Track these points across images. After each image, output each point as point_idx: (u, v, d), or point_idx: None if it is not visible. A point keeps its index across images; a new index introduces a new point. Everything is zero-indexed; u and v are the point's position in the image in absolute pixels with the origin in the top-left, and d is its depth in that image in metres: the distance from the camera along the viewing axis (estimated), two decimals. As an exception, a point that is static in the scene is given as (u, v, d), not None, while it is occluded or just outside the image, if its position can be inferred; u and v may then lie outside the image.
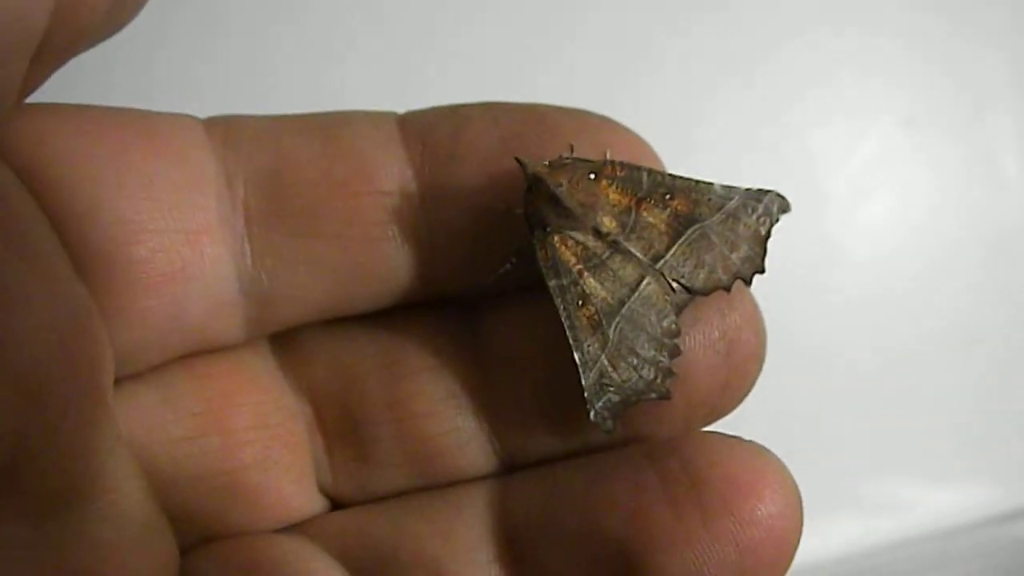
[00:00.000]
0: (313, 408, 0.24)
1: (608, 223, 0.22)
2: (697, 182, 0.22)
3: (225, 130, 0.23)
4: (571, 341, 0.22)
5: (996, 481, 0.45)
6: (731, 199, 0.22)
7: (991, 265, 0.45)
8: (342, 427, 0.23)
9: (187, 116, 0.23)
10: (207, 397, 0.23)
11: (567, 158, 0.21)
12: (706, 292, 0.22)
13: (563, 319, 0.22)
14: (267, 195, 0.22)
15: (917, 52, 0.46)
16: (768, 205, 0.22)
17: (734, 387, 0.22)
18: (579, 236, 0.21)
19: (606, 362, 0.22)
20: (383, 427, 0.23)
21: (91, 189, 0.21)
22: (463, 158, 0.23)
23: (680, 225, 0.22)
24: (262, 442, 0.23)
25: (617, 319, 0.22)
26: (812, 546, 0.41)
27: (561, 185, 0.21)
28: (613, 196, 0.21)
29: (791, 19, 0.45)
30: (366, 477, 0.23)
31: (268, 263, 0.22)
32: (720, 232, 0.22)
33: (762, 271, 0.23)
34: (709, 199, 0.22)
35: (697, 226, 0.22)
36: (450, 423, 0.23)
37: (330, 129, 0.23)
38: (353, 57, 0.41)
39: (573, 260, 0.21)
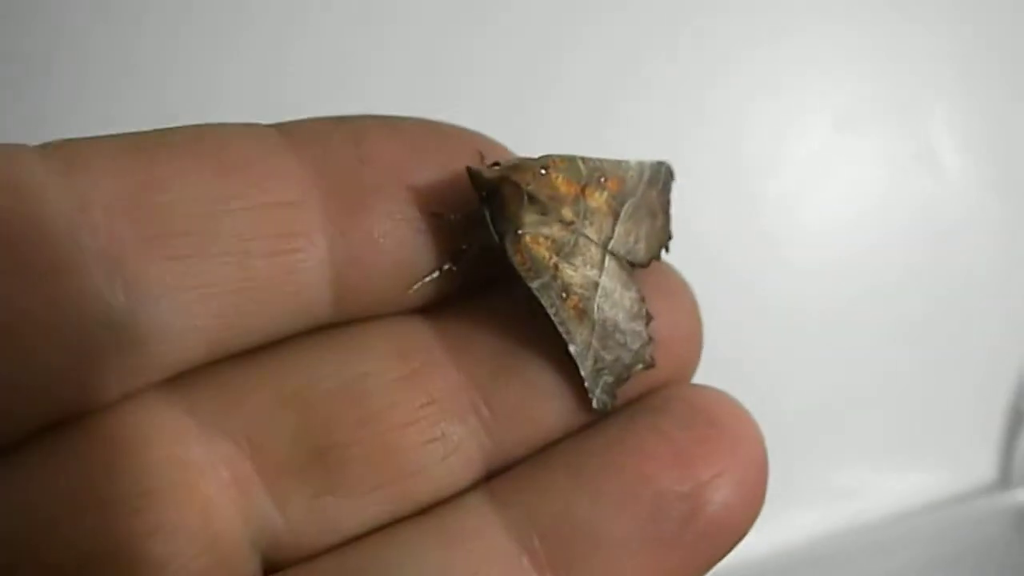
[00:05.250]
0: (250, 449, 0.21)
1: (568, 213, 0.22)
2: (617, 161, 0.24)
3: (68, 154, 0.19)
4: (564, 336, 0.22)
5: (944, 464, 0.46)
6: (643, 172, 0.24)
7: (933, 256, 0.47)
8: (297, 460, 0.21)
9: (13, 145, 0.19)
10: (84, 468, 0.19)
11: (512, 161, 0.21)
12: (645, 264, 0.24)
13: (552, 316, 0.22)
14: (137, 219, 0.19)
15: (852, 49, 0.47)
16: (666, 175, 0.25)
17: (697, 336, 0.24)
18: (545, 231, 0.22)
19: (597, 345, 0.22)
20: (354, 448, 0.21)
21: None
22: (371, 163, 0.22)
23: (617, 204, 0.23)
24: (155, 510, 0.19)
25: (597, 301, 0.22)
26: (767, 536, 0.42)
27: (529, 184, 0.21)
28: (563, 187, 0.22)
29: (727, 21, 0.45)
30: (334, 511, 0.21)
31: (153, 291, 0.19)
32: (643, 205, 0.24)
33: (671, 237, 0.25)
34: (630, 174, 0.24)
35: (629, 203, 0.23)
36: (434, 430, 0.21)
37: (201, 141, 0.21)
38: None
39: (547, 255, 0.22)
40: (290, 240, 0.20)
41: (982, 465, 0.46)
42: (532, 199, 0.21)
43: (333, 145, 0.21)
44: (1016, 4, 0.48)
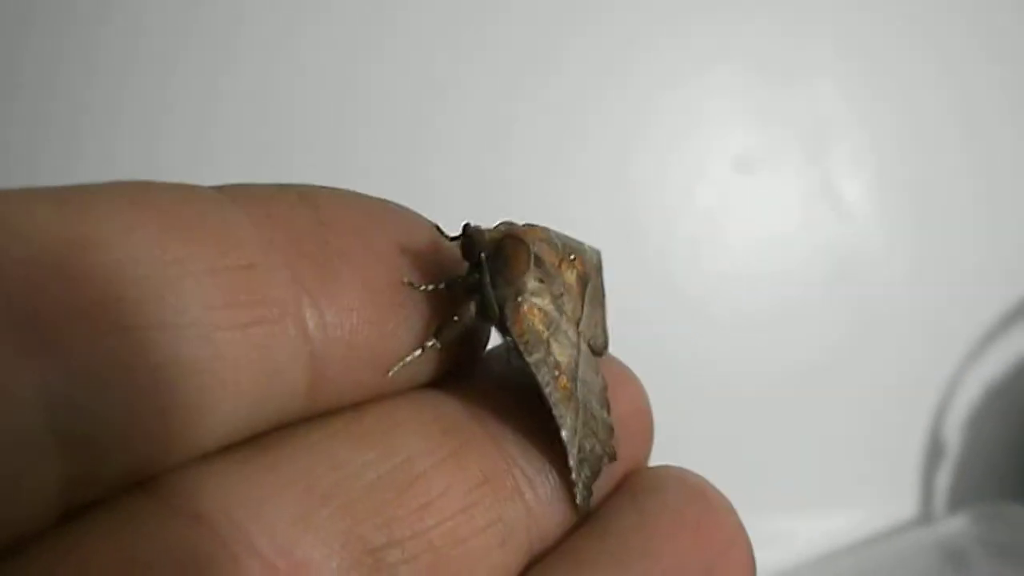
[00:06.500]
0: (289, 567, 0.16)
1: (557, 286, 0.20)
2: (575, 239, 0.22)
3: None
4: (556, 419, 0.19)
5: (865, 503, 0.45)
6: (592, 256, 0.23)
7: (841, 293, 0.46)
8: (351, 570, 0.16)
9: None
10: None
11: (501, 225, 0.19)
12: (600, 353, 0.22)
13: (547, 396, 0.19)
14: (63, 286, 0.15)
15: (750, 92, 0.46)
16: (600, 264, 0.24)
17: (650, 427, 0.23)
18: (539, 302, 0.20)
19: (580, 432, 0.20)
20: (413, 543, 0.17)
21: None
22: (332, 227, 0.18)
23: (581, 285, 0.22)
24: None
25: (578, 383, 0.20)
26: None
27: (534, 245, 0.19)
28: (550, 257, 0.20)
29: (621, 65, 0.43)
30: None
31: (97, 375, 0.15)
32: (596, 291, 0.23)
33: None
34: (587, 256, 0.22)
35: (589, 285, 0.22)
36: (491, 512, 0.18)
37: (140, 194, 0.17)
38: None
39: (541, 328, 0.19)
40: (262, 309, 0.17)
41: (903, 501, 0.46)
42: (538, 262, 0.19)
43: (286, 206, 0.18)
44: (910, 43, 0.50)
